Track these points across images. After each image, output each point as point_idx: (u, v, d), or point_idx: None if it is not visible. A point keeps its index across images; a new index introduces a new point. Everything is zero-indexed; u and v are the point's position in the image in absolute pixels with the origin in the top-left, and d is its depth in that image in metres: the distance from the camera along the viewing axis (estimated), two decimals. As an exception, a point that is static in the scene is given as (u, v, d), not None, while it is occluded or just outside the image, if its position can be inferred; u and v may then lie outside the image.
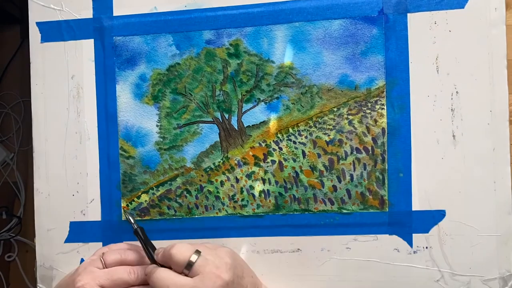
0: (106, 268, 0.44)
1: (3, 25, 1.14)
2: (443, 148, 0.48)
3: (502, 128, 0.47)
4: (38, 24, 0.53)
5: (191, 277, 0.40)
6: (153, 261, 0.43)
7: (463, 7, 0.47)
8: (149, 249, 0.44)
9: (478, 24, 0.47)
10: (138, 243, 0.46)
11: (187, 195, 0.51)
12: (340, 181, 0.49)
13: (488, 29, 0.47)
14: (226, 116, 0.51)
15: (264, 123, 0.50)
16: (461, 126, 0.47)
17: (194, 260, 0.41)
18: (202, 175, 0.51)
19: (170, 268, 0.42)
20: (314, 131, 0.50)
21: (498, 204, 0.47)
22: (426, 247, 0.48)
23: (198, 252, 0.41)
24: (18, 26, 1.07)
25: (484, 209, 0.47)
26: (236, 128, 0.51)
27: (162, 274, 0.41)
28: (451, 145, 0.48)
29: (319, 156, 0.50)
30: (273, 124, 0.50)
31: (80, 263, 0.52)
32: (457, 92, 0.48)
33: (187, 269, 0.41)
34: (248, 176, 0.50)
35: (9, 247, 1.16)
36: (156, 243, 0.51)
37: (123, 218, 0.52)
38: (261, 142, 0.50)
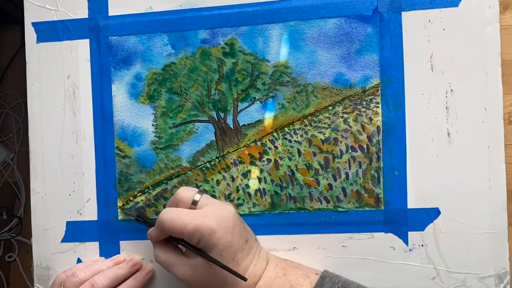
0: None
1: (3, 26, 1.14)
2: (438, 146, 0.48)
3: (497, 126, 0.47)
4: (33, 24, 0.53)
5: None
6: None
7: (457, 6, 0.47)
8: (150, 224, 0.46)
9: (472, 22, 0.47)
10: (86, 263, 0.51)
11: (183, 194, 0.51)
12: (335, 180, 0.49)
13: (482, 27, 0.47)
14: (222, 115, 0.51)
15: (260, 122, 0.50)
16: (455, 124, 0.47)
17: (198, 199, 0.43)
18: (198, 174, 0.51)
19: None
20: (309, 129, 0.50)
21: (493, 202, 0.47)
22: (422, 245, 0.48)
23: (201, 192, 0.44)
24: (18, 26, 1.07)
25: (479, 207, 0.47)
26: (232, 127, 0.51)
27: (171, 210, 0.42)
28: (446, 143, 0.48)
29: (314, 154, 0.50)
30: (268, 123, 0.50)
31: (77, 262, 0.52)
32: (451, 90, 0.48)
33: (194, 204, 0.43)
34: (244, 175, 0.51)
35: (9, 247, 1.17)
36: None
37: (120, 217, 0.52)
38: (256, 141, 0.50)
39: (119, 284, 0.48)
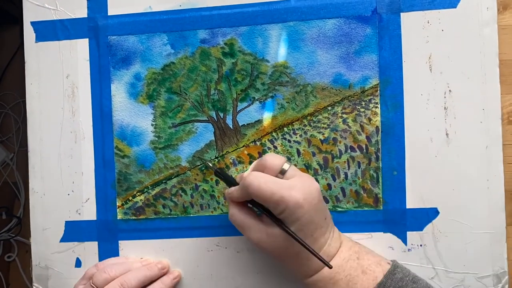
0: None
1: (3, 25, 1.14)
2: (436, 146, 0.48)
3: (495, 126, 0.47)
4: (32, 23, 0.53)
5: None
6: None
7: (455, 7, 0.48)
8: (230, 182, 0.45)
9: (470, 23, 0.47)
10: (118, 259, 0.50)
11: (182, 194, 0.51)
12: (334, 180, 0.49)
13: (480, 28, 0.47)
14: (221, 115, 0.51)
15: (259, 122, 0.50)
16: (454, 125, 0.48)
17: (286, 168, 0.41)
18: (197, 174, 0.51)
19: None
20: (308, 129, 0.50)
21: (491, 202, 0.47)
22: (420, 245, 0.48)
23: (289, 161, 0.42)
24: (18, 26, 1.07)
25: (477, 207, 0.47)
26: (231, 127, 0.51)
27: (259, 175, 0.40)
28: (445, 143, 0.48)
29: (313, 154, 0.50)
30: (267, 123, 0.50)
31: (76, 262, 0.52)
32: (450, 90, 0.48)
33: (281, 173, 0.41)
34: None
35: (9, 247, 1.17)
36: (153, 242, 0.51)
37: (119, 217, 0.52)
38: (256, 141, 0.51)
39: (146, 286, 0.48)
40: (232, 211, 0.43)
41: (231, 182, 0.45)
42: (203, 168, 0.49)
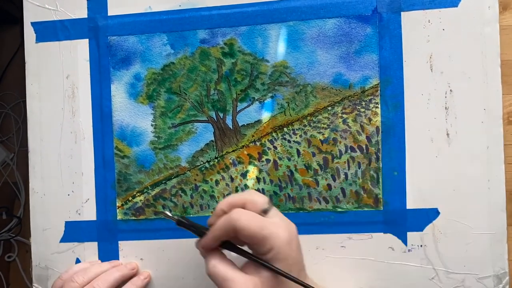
0: None
1: (3, 25, 1.14)
2: (437, 146, 0.48)
3: (496, 126, 0.47)
4: (32, 24, 0.53)
5: None
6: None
7: (456, 6, 0.47)
8: (200, 230, 0.40)
9: (471, 22, 0.47)
10: (80, 266, 0.50)
11: (182, 194, 0.51)
12: (334, 180, 0.49)
13: (481, 28, 0.47)
14: (221, 115, 0.51)
15: (259, 122, 0.50)
16: (455, 125, 0.47)
17: (267, 208, 0.39)
18: (197, 174, 0.51)
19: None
20: (308, 130, 0.50)
21: (492, 202, 0.47)
22: (421, 245, 0.48)
23: (270, 201, 0.40)
24: (18, 26, 1.07)
25: (478, 207, 0.47)
26: (231, 127, 0.51)
27: (245, 211, 0.38)
28: (445, 143, 0.48)
29: (313, 155, 0.50)
30: (267, 123, 0.50)
31: (76, 263, 0.52)
32: (451, 90, 0.48)
33: (264, 212, 0.39)
34: (243, 175, 0.51)
35: (9, 247, 1.17)
36: (152, 243, 0.51)
37: (119, 217, 0.52)
38: (255, 141, 0.50)
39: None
40: (213, 263, 0.38)
41: (200, 230, 0.40)
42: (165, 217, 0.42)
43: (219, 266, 0.38)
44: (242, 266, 0.39)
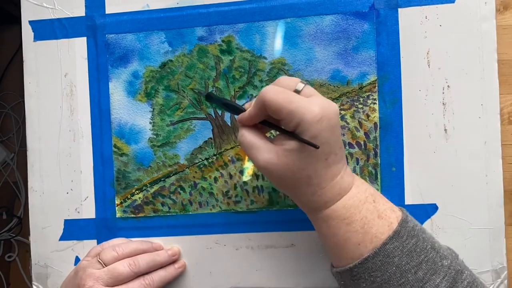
0: (106, 266, 0.45)
1: (3, 25, 1.14)
2: (435, 142, 0.48)
3: (493, 121, 0.47)
4: (30, 22, 0.53)
5: None
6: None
7: (453, 2, 0.48)
8: (239, 108, 0.42)
9: (468, 18, 0.47)
10: (122, 240, 0.50)
11: (181, 191, 0.51)
12: (333, 176, 0.49)
13: (478, 24, 0.47)
14: (219, 112, 0.51)
15: (257, 119, 0.50)
16: (452, 120, 0.48)
17: (300, 88, 0.38)
18: (195, 172, 0.51)
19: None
20: (306, 126, 0.50)
21: (490, 197, 0.47)
22: (419, 241, 0.48)
23: (304, 82, 0.39)
24: (18, 26, 1.07)
25: (476, 202, 0.47)
26: (229, 125, 0.51)
27: (275, 87, 0.38)
28: (443, 139, 0.48)
29: (312, 151, 0.50)
30: (266, 120, 0.50)
31: (75, 261, 0.52)
32: (448, 86, 0.48)
33: (296, 92, 0.38)
34: (242, 172, 0.51)
35: (9, 247, 1.17)
36: (152, 240, 0.51)
37: (118, 215, 0.52)
38: (254, 138, 0.50)
39: (153, 271, 0.48)
40: (242, 131, 0.40)
41: (240, 110, 0.41)
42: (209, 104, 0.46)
43: (246, 134, 0.40)
44: (273, 140, 0.40)
